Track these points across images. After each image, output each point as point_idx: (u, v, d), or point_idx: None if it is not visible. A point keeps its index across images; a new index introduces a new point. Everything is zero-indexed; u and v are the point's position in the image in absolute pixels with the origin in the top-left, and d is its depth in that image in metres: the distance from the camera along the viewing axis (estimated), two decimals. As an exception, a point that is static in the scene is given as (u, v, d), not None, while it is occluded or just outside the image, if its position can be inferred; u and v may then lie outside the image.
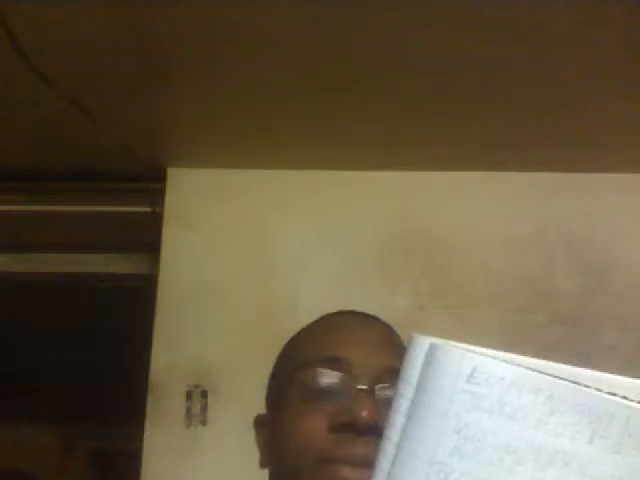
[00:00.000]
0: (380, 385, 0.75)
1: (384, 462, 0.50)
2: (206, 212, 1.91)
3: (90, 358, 2.83)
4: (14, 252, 2.06)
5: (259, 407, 1.81)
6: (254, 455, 1.66)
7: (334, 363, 0.75)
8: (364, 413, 0.71)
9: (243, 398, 1.73)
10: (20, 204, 1.97)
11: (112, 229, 1.98)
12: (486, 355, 0.53)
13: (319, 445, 0.72)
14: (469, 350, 0.51)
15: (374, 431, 0.70)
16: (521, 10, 1.40)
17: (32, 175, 1.94)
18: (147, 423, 1.72)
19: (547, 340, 1.78)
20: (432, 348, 0.51)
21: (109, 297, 2.21)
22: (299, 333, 0.86)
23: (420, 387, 0.50)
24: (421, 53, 1.53)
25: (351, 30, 1.46)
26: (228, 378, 1.75)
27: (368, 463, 0.68)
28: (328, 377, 0.75)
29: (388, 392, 0.74)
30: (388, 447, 0.50)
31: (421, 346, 0.51)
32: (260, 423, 0.86)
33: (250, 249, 1.88)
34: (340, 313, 0.87)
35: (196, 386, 1.74)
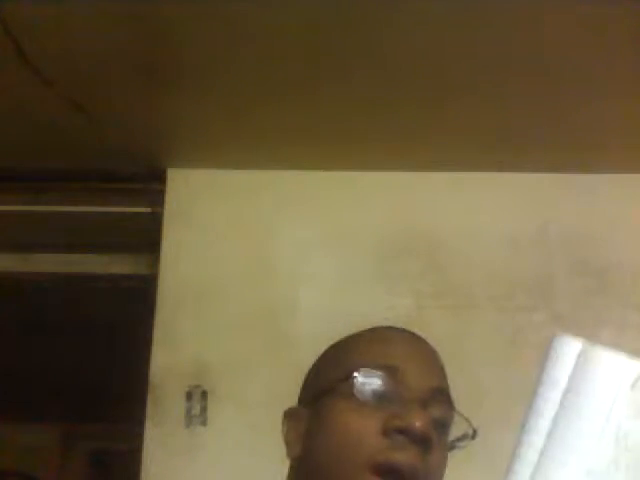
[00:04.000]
0: (430, 405, 0.76)
1: (524, 469, 0.46)
2: (206, 212, 1.91)
3: (90, 358, 2.83)
4: (14, 252, 2.06)
5: (259, 407, 1.82)
6: (254, 455, 1.66)
7: (393, 372, 0.76)
8: (418, 423, 0.72)
9: (243, 398, 1.73)
10: (20, 204, 1.97)
11: (112, 229, 1.98)
12: None
13: (371, 447, 0.73)
14: (631, 357, 0.48)
15: (426, 442, 0.73)
16: (522, 11, 1.40)
17: (32, 175, 1.94)
18: (147, 423, 1.72)
19: (547, 340, 1.77)
20: (588, 351, 0.48)
21: (109, 297, 2.21)
22: (352, 338, 0.86)
23: (572, 391, 0.46)
24: (422, 54, 1.53)
25: (351, 31, 1.47)
26: (228, 378, 1.75)
27: (416, 472, 0.70)
28: (383, 383, 0.76)
29: (437, 413, 0.77)
30: (529, 453, 0.46)
31: (570, 347, 0.48)
32: (292, 417, 0.85)
33: (250, 249, 1.87)
34: (393, 328, 0.87)
35: (196, 386, 1.74)
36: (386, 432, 0.73)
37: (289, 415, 0.85)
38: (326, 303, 1.81)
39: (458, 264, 1.86)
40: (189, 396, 1.74)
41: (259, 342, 1.78)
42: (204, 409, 1.73)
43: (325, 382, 0.81)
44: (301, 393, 0.89)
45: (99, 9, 1.40)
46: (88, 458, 3.96)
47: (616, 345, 1.85)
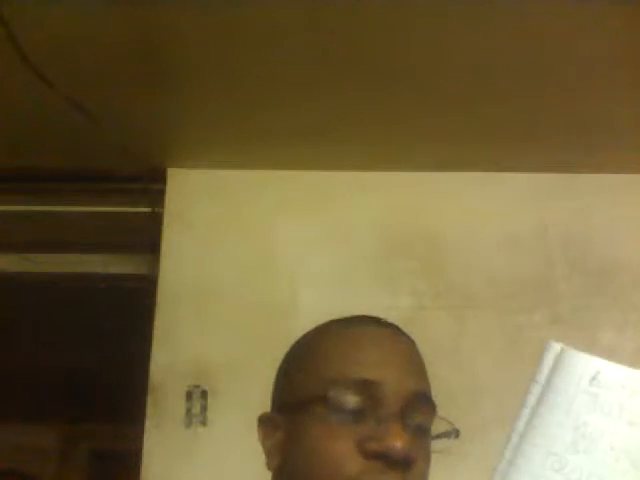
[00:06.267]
0: (410, 412, 0.73)
1: (508, 451, 0.56)
2: (206, 212, 1.91)
3: (90, 358, 2.83)
4: (14, 252, 2.06)
5: (259, 407, 1.81)
6: (254, 455, 1.65)
7: (365, 386, 0.73)
8: (398, 444, 0.69)
9: (243, 398, 1.73)
10: (20, 204, 1.97)
11: (112, 229, 1.98)
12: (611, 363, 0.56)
13: (349, 470, 0.70)
14: (595, 357, 0.57)
15: (406, 463, 0.70)
16: (522, 10, 1.40)
17: (32, 175, 1.94)
18: (147, 423, 1.72)
19: (547, 340, 1.77)
20: (561, 352, 0.58)
21: (109, 297, 2.21)
22: (321, 337, 0.83)
23: (547, 386, 0.56)
24: (422, 54, 1.53)
25: (352, 31, 1.47)
26: (228, 378, 1.75)
27: None
28: (358, 400, 0.73)
29: (418, 420, 0.74)
30: (513, 437, 0.56)
31: (552, 351, 0.59)
32: (267, 423, 0.82)
33: (250, 249, 1.87)
34: (363, 321, 0.83)
35: (196, 386, 1.74)
36: (365, 455, 0.70)
37: (264, 421, 0.83)
38: (326, 303, 1.81)
39: (458, 264, 1.86)
40: (189, 396, 1.74)
41: (259, 342, 1.77)
42: (204, 409, 1.73)
43: (297, 395, 0.78)
44: (273, 396, 0.86)
45: (99, 9, 1.40)
46: (88, 458, 3.96)
47: (616, 345, 1.86)
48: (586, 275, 1.85)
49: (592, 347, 1.77)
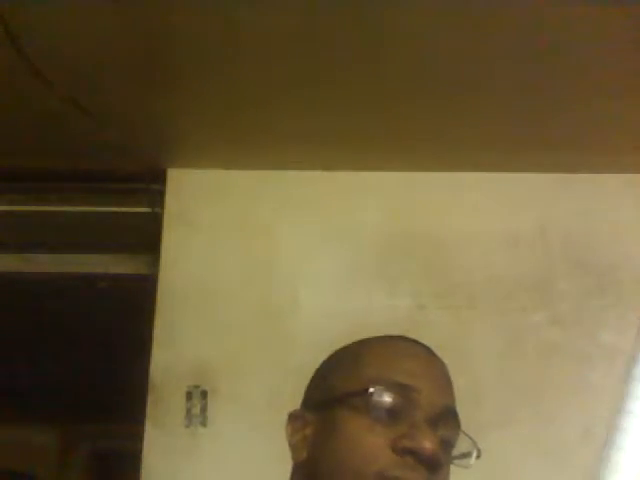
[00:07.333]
0: (439, 424, 0.77)
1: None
2: (206, 212, 1.91)
3: (90, 358, 2.84)
4: (14, 252, 2.06)
5: (259, 407, 1.82)
6: (254, 455, 1.66)
7: (407, 391, 0.78)
8: (427, 444, 0.74)
9: (243, 398, 1.73)
10: (20, 204, 1.97)
11: (112, 229, 1.98)
12: None
13: (381, 463, 0.74)
14: None
15: (434, 464, 0.74)
16: (522, 10, 1.40)
17: (32, 175, 1.94)
18: (147, 423, 1.72)
19: (547, 340, 1.78)
20: None
21: (109, 297, 2.21)
22: (365, 347, 0.86)
23: None
24: (422, 54, 1.53)
25: (351, 31, 1.47)
26: (228, 378, 1.75)
27: None
28: (395, 401, 0.77)
29: (445, 432, 0.78)
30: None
31: None
32: (297, 420, 0.85)
33: (250, 249, 1.88)
34: (406, 339, 0.87)
35: (196, 386, 1.74)
36: (396, 451, 0.74)
37: (294, 418, 0.85)
38: (326, 303, 1.81)
39: (458, 264, 1.86)
40: (189, 396, 1.74)
41: (259, 342, 1.78)
42: (204, 409, 1.73)
43: (336, 391, 0.81)
44: (306, 396, 0.89)
45: (99, 9, 1.40)
46: (88, 458, 3.96)
47: (616, 345, 1.86)
48: (586, 275, 1.85)
49: (592, 347, 1.77)
